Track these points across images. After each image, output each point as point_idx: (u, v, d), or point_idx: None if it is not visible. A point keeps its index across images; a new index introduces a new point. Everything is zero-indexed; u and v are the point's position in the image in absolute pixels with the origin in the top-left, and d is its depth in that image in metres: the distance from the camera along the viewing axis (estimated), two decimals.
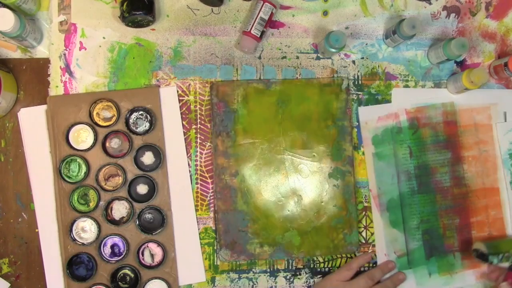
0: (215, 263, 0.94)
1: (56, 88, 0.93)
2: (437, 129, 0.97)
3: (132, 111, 0.92)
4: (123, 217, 0.92)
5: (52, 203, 0.92)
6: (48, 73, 0.93)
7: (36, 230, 0.92)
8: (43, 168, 0.92)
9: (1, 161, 0.93)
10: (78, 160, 0.91)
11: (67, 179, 0.90)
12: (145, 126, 0.92)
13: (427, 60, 0.98)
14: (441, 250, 0.96)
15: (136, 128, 0.92)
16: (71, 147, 0.91)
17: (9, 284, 0.92)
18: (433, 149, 0.97)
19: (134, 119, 0.92)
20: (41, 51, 0.94)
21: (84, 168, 0.91)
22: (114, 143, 0.92)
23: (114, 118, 0.92)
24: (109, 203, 0.92)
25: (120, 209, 0.92)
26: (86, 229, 0.91)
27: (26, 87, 0.93)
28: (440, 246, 0.96)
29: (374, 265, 0.96)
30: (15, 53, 0.93)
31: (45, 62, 0.94)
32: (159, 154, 0.92)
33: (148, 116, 0.92)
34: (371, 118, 0.96)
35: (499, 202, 0.97)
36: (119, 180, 0.92)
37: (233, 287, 0.94)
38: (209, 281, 0.94)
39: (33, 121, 0.92)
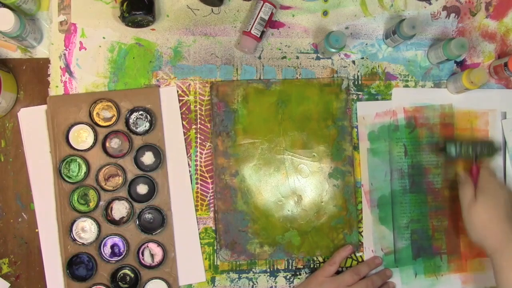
0: (215, 263, 0.94)
1: (56, 88, 0.93)
2: (433, 130, 0.97)
3: (132, 111, 0.92)
4: (123, 217, 0.92)
5: (52, 203, 0.92)
6: (48, 73, 0.93)
7: (36, 230, 0.92)
8: (43, 168, 0.92)
9: (1, 161, 0.93)
10: (78, 160, 0.91)
11: (67, 179, 0.90)
12: (145, 126, 0.92)
13: (427, 60, 0.98)
14: (428, 251, 0.96)
15: (136, 128, 0.92)
16: (71, 147, 0.91)
17: (9, 284, 0.92)
18: (428, 149, 0.97)
19: (134, 119, 0.92)
20: (41, 51, 0.94)
21: (84, 168, 0.91)
22: (114, 143, 0.92)
23: (114, 118, 0.92)
24: (109, 203, 0.92)
25: (120, 209, 0.92)
26: (86, 229, 0.91)
27: (26, 87, 0.93)
28: (428, 247, 0.96)
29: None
30: (15, 53, 0.93)
31: (45, 62, 0.94)
32: (159, 154, 0.92)
33: (148, 116, 0.92)
34: (369, 114, 0.96)
35: None
36: (119, 180, 0.92)
37: (233, 287, 0.94)
38: (209, 281, 0.94)
39: (33, 121, 0.92)
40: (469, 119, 0.98)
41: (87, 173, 0.91)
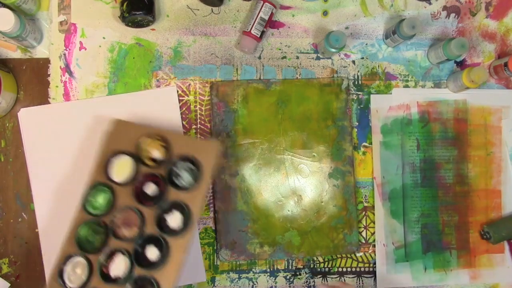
0: (215, 263, 0.94)
1: (56, 88, 0.93)
2: (446, 125, 0.97)
3: (180, 159, 0.83)
4: (118, 278, 0.81)
5: (52, 203, 0.91)
6: (48, 73, 0.93)
7: (36, 230, 0.92)
8: (43, 168, 0.92)
9: (1, 161, 0.93)
10: (106, 191, 0.83)
11: (88, 208, 0.83)
12: (187, 182, 0.84)
13: (427, 60, 0.98)
14: (438, 246, 0.96)
15: (178, 180, 0.83)
16: (107, 175, 0.83)
17: (9, 284, 0.92)
18: (441, 144, 0.97)
19: (179, 170, 0.83)
20: (41, 51, 0.94)
21: (107, 202, 0.83)
22: (149, 188, 0.83)
23: (161, 161, 0.83)
24: (112, 253, 0.82)
25: (119, 266, 0.81)
26: (77, 272, 0.81)
27: (26, 87, 0.93)
28: (437, 242, 0.96)
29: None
30: (15, 53, 0.93)
31: (45, 62, 0.94)
32: (187, 219, 0.81)
33: (195, 172, 0.83)
34: (382, 107, 0.97)
35: (499, 204, 0.98)
36: (134, 231, 0.82)
37: (233, 287, 0.94)
38: (209, 281, 0.94)
39: (33, 121, 0.92)
40: (482, 115, 0.98)
41: (108, 209, 0.83)
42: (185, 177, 0.83)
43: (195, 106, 0.95)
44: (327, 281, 0.95)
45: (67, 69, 0.94)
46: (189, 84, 0.95)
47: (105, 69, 0.94)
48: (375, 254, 0.96)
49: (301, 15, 0.97)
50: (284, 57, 0.97)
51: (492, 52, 1.00)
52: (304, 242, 0.94)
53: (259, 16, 0.92)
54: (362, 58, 0.98)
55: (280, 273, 0.95)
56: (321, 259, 0.96)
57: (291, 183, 0.95)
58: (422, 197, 0.97)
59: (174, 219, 0.83)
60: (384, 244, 0.96)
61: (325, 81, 0.96)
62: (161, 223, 0.83)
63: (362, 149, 0.97)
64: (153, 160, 0.84)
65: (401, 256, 0.96)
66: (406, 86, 0.98)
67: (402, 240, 0.96)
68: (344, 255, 0.96)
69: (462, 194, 0.97)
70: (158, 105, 0.94)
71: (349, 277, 0.96)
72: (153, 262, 0.82)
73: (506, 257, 0.98)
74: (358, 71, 0.97)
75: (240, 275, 0.95)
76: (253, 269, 0.95)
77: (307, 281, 0.95)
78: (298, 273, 0.95)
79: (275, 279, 0.95)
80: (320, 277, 0.96)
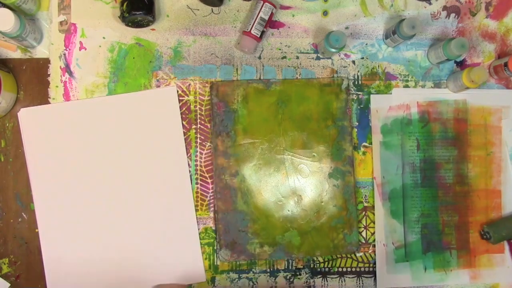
0: (215, 263, 0.94)
1: (56, 88, 0.93)
2: (446, 125, 0.97)
3: None
4: None
5: (52, 203, 0.91)
6: (48, 73, 0.93)
7: (36, 230, 0.92)
8: (43, 168, 0.92)
9: (1, 161, 0.93)
10: None
11: None
12: None
13: (427, 60, 0.98)
14: (438, 246, 0.96)
15: None
16: None
17: (9, 284, 0.92)
18: (441, 144, 0.97)
19: None
20: (41, 51, 0.94)
21: None
22: None
23: None
24: None
25: None
26: None
27: (26, 87, 0.93)
28: (438, 242, 0.96)
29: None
30: (15, 53, 0.93)
31: (45, 62, 0.94)
32: None
33: None
34: (382, 107, 0.97)
35: (499, 204, 0.98)
36: None
37: (233, 287, 0.94)
38: (209, 281, 0.94)
39: (33, 121, 0.92)
40: (482, 115, 0.98)
41: None
42: None
43: (195, 106, 0.95)
44: (327, 281, 0.95)
45: (67, 69, 0.94)
46: (189, 84, 0.95)
47: (105, 69, 0.94)
48: (375, 254, 0.96)
49: (301, 15, 0.97)
50: (284, 57, 0.97)
51: (492, 52, 1.00)
52: (304, 242, 0.94)
53: (259, 16, 0.93)
54: (362, 58, 0.98)
55: (280, 273, 0.95)
56: (321, 259, 0.96)
57: (291, 183, 0.95)
58: (422, 197, 0.97)
59: None
60: (384, 244, 0.96)
61: (325, 81, 0.96)
62: None
63: (362, 149, 0.97)
64: None
65: (401, 256, 0.96)
66: (406, 86, 0.98)
67: (402, 240, 0.96)
68: (344, 255, 0.96)
69: (462, 194, 0.97)
70: (158, 105, 0.94)
71: (349, 277, 0.96)
72: None
73: (506, 257, 0.98)
74: (358, 71, 0.97)
75: (240, 275, 0.95)
76: (253, 269, 0.95)
77: (307, 281, 0.95)
78: (298, 273, 0.95)
79: (275, 279, 0.95)
80: (320, 277, 0.96)
